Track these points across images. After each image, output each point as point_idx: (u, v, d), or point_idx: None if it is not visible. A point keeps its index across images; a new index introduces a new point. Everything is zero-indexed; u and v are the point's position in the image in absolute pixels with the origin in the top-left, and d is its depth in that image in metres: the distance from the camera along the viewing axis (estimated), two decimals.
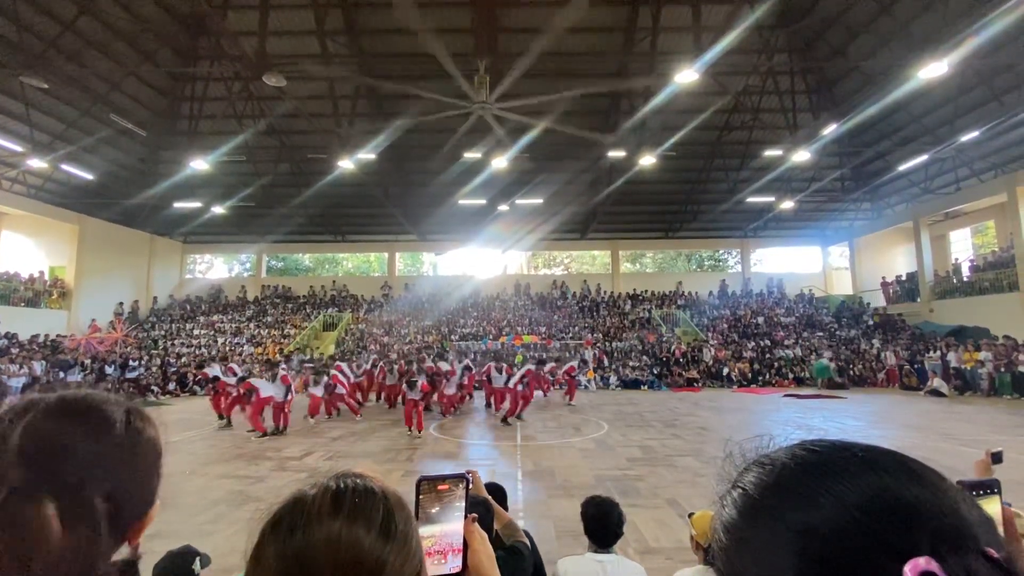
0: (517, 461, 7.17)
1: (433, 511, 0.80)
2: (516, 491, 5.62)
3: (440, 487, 0.81)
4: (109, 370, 16.33)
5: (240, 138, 17.16)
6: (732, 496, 0.42)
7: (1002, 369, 13.86)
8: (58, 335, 17.74)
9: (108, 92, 16.44)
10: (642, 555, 3.88)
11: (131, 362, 17.17)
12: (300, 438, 9.17)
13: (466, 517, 0.81)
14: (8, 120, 15.46)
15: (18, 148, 15.29)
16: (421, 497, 0.80)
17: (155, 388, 15.83)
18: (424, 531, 0.76)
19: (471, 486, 0.89)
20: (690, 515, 2.38)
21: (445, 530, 0.79)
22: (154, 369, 17.20)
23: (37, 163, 15.86)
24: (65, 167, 16.95)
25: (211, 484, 6.15)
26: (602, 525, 2.45)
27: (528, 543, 1.74)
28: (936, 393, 14.17)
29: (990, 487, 0.80)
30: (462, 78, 8.68)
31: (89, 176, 17.79)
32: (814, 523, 0.36)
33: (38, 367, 14.64)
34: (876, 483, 0.36)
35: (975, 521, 0.36)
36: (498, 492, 2.80)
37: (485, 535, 0.85)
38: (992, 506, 0.76)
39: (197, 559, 2.03)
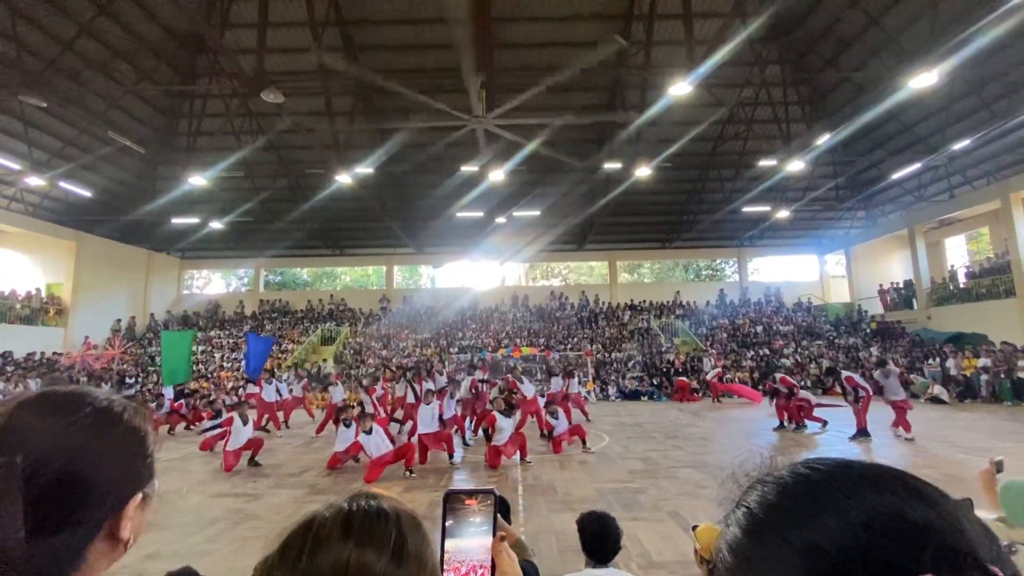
0: (517, 475, 7.11)
1: (459, 526, 0.77)
2: (517, 506, 5.57)
3: (468, 501, 0.79)
4: (105, 387, 16.21)
5: (238, 154, 17.24)
6: (736, 515, 0.42)
7: (1002, 375, 13.86)
8: (54, 352, 17.65)
9: (107, 110, 16.54)
10: (645, 569, 3.84)
11: (127, 379, 17.07)
12: (299, 455, 9.10)
13: (494, 535, 0.78)
14: (6, 139, 15.53)
15: (16, 166, 15.34)
16: (448, 511, 0.77)
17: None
18: (449, 545, 0.75)
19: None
20: (694, 528, 2.35)
21: (471, 546, 0.76)
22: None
23: (35, 181, 15.90)
24: (63, 184, 16.98)
25: (208, 503, 6.08)
26: (600, 541, 2.42)
27: (535, 564, 1.71)
28: (936, 400, 14.16)
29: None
30: (470, 78, 8.70)
31: (87, 193, 17.83)
32: (818, 542, 0.36)
33: (33, 385, 14.54)
34: (879, 501, 0.37)
35: (977, 538, 0.36)
36: (501, 506, 2.75)
37: (514, 555, 0.82)
38: None
39: None
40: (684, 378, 17.18)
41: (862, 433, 8.86)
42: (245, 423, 8.08)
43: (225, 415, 8.20)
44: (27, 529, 0.53)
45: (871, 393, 9.11)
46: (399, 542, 0.54)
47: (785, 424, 10.27)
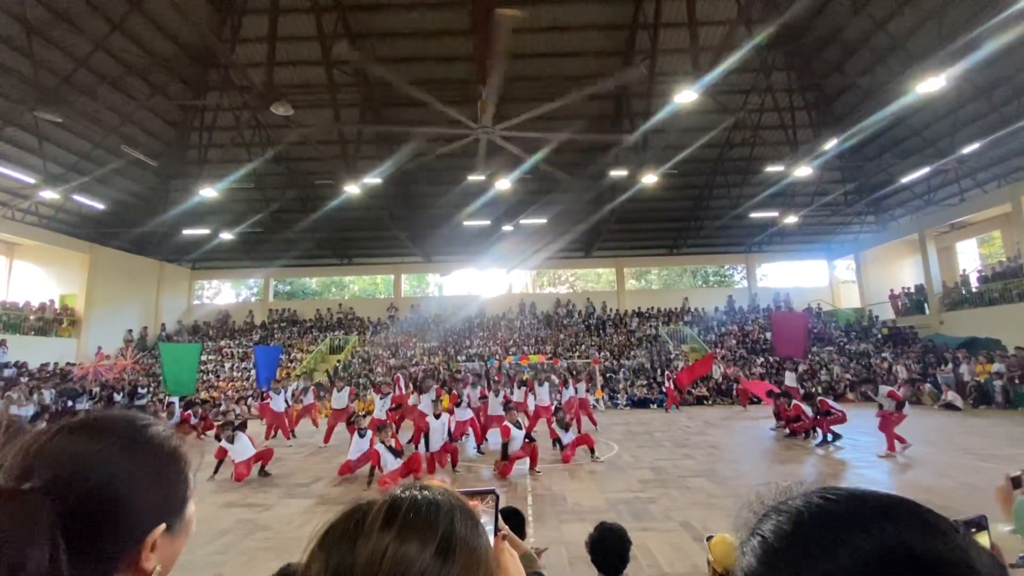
0: (527, 485, 7.08)
1: None
2: (527, 516, 5.55)
3: (471, 502, 0.79)
4: (117, 397, 16.37)
5: (248, 166, 17.47)
6: (752, 544, 0.43)
7: (1017, 381, 13.64)
8: (68, 363, 17.85)
9: (120, 124, 16.83)
10: None
11: (139, 389, 17.22)
12: (309, 464, 9.12)
13: (496, 534, 0.76)
14: (22, 153, 15.82)
15: (31, 180, 15.61)
16: None
17: None
18: None
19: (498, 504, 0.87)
20: (708, 539, 2.34)
21: None
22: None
23: (49, 194, 16.17)
24: (77, 197, 17.26)
25: (219, 513, 6.11)
26: (601, 553, 2.46)
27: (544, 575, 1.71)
28: (950, 407, 13.95)
29: (977, 524, 0.81)
30: (463, 117, 8.87)
31: (100, 206, 18.10)
32: (831, 574, 0.37)
33: (48, 396, 14.70)
34: (892, 535, 0.38)
35: (988, 573, 0.37)
36: (515, 516, 2.73)
37: (515, 553, 0.80)
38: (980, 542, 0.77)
39: None
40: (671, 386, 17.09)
41: (824, 440, 9.43)
42: (232, 442, 7.99)
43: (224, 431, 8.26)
44: (51, 557, 0.51)
45: (845, 416, 9.42)
46: (447, 536, 0.49)
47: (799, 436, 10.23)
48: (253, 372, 19.75)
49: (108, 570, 0.57)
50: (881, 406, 8.70)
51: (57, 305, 19.55)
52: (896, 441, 8.34)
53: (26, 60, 13.37)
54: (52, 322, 19.04)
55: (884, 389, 8.70)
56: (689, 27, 11.54)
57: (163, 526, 0.61)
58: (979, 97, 14.81)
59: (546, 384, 11.43)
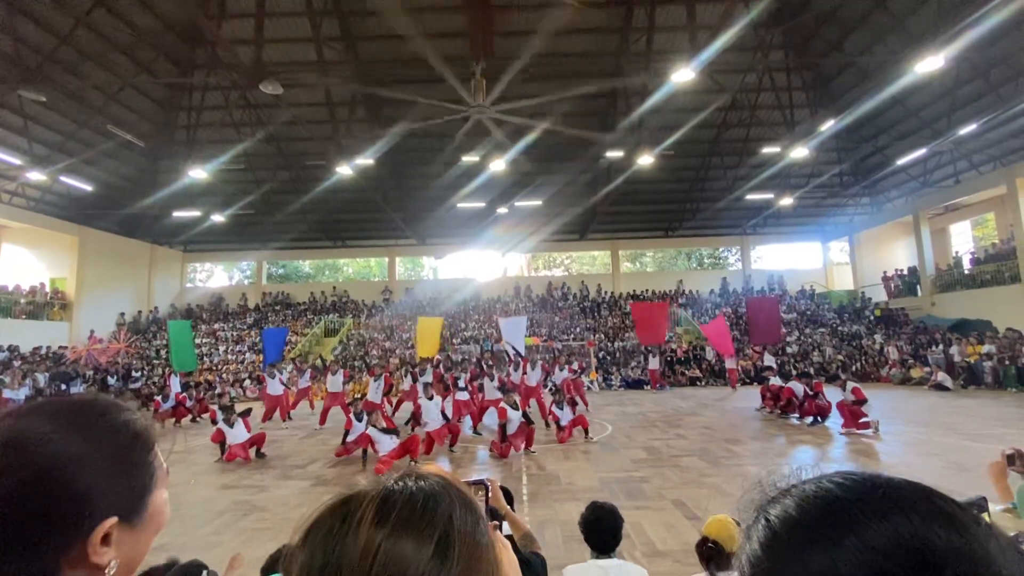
0: (522, 465, 7.14)
1: None
2: (521, 495, 5.60)
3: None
4: (111, 381, 16.34)
5: (239, 146, 17.17)
6: (757, 528, 0.41)
7: (1006, 362, 13.82)
8: (60, 346, 17.75)
9: (106, 104, 16.45)
10: (649, 558, 3.86)
11: (133, 372, 17.18)
12: (305, 445, 9.16)
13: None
14: (6, 133, 15.47)
15: (17, 161, 15.31)
16: None
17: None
18: None
19: (490, 495, 0.86)
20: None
21: None
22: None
23: (36, 176, 15.88)
24: (64, 179, 16.97)
25: (215, 494, 6.13)
26: (593, 532, 2.48)
27: (543, 556, 1.71)
28: (940, 387, 14.14)
29: (977, 506, 0.80)
30: (457, 81, 8.71)
31: (88, 187, 17.81)
32: (836, 566, 0.34)
33: (41, 379, 14.64)
34: (904, 525, 0.35)
35: (1007, 567, 0.34)
36: (504, 495, 2.76)
37: (508, 543, 0.81)
38: None
39: (204, 572, 2.01)
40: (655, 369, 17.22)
41: (815, 420, 9.59)
42: (232, 426, 8.06)
43: (224, 415, 8.27)
44: None
45: (831, 407, 9.50)
46: (446, 534, 0.45)
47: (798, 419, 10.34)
48: (247, 355, 19.77)
49: (52, 565, 0.52)
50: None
51: (48, 288, 19.35)
52: (853, 423, 8.57)
53: (7, 37, 12.99)
54: (43, 306, 18.88)
55: (851, 386, 8.98)
56: (687, 4, 11.34)
57: (114, 519, 0.56)
58: (977, 77, 14.70)
59: (538, 366, 11.47)
